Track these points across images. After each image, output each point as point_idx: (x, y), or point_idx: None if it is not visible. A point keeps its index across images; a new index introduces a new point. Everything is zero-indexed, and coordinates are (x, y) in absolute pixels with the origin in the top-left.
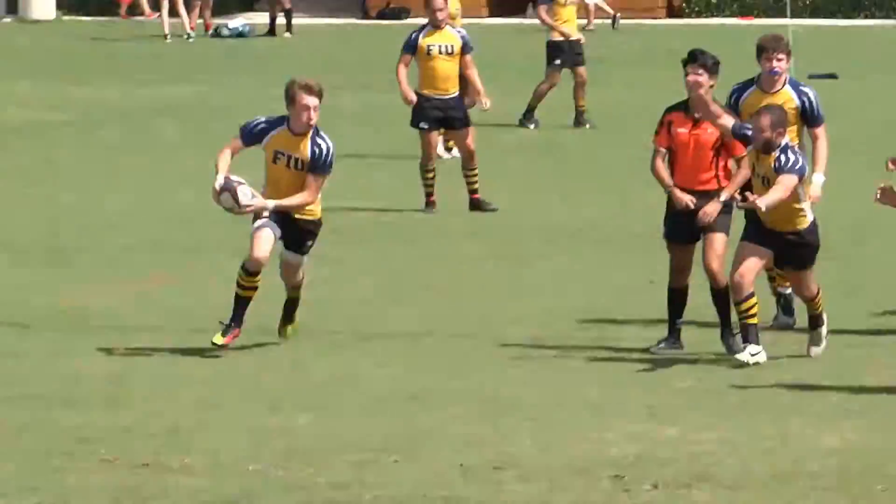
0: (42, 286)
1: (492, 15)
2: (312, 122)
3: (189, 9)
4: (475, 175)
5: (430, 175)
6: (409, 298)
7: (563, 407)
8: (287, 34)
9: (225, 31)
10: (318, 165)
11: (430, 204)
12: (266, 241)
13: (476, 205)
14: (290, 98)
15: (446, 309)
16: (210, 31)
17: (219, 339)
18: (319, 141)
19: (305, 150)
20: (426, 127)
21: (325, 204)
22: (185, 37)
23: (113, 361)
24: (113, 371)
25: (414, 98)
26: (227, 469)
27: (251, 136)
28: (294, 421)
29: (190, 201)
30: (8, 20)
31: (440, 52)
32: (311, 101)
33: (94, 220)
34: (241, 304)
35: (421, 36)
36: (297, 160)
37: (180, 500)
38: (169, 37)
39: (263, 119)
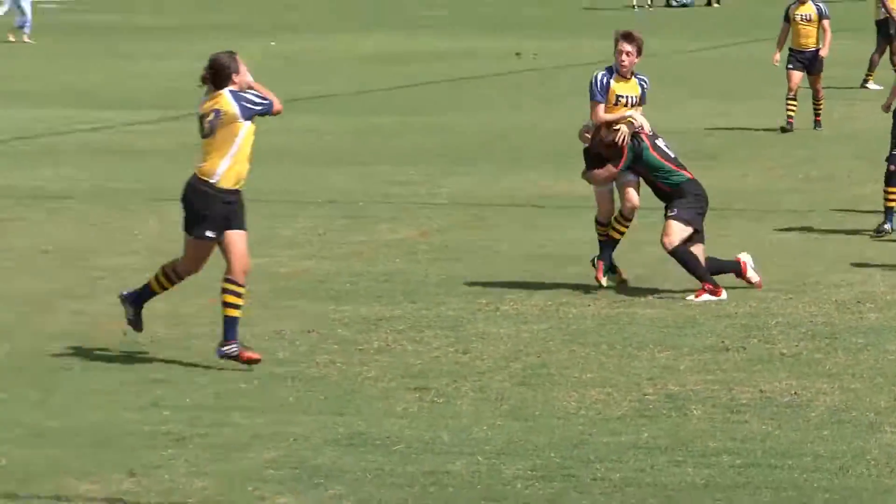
0: (499, 180)
1: None
2: (626, 65)
3: None
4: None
5: (791, 101)
6: (800, 186)
7: None
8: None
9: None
10: (645, 97)
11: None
12: (634, 189)
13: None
14: (614, 45)
15: (824, 195)
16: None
17: (605, 281)
18: (643, 78)
19: (636, 88)
20: (790, 67)
21: None
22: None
23: (581, 234)
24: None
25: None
26: (678, 303)
27: (604, 90)
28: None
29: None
30: None
31: (802, 20)
32: (626, 46)
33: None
34: (613, 245)
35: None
36: (634, 98)
37: (643, 325)
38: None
39: (600, 73)
